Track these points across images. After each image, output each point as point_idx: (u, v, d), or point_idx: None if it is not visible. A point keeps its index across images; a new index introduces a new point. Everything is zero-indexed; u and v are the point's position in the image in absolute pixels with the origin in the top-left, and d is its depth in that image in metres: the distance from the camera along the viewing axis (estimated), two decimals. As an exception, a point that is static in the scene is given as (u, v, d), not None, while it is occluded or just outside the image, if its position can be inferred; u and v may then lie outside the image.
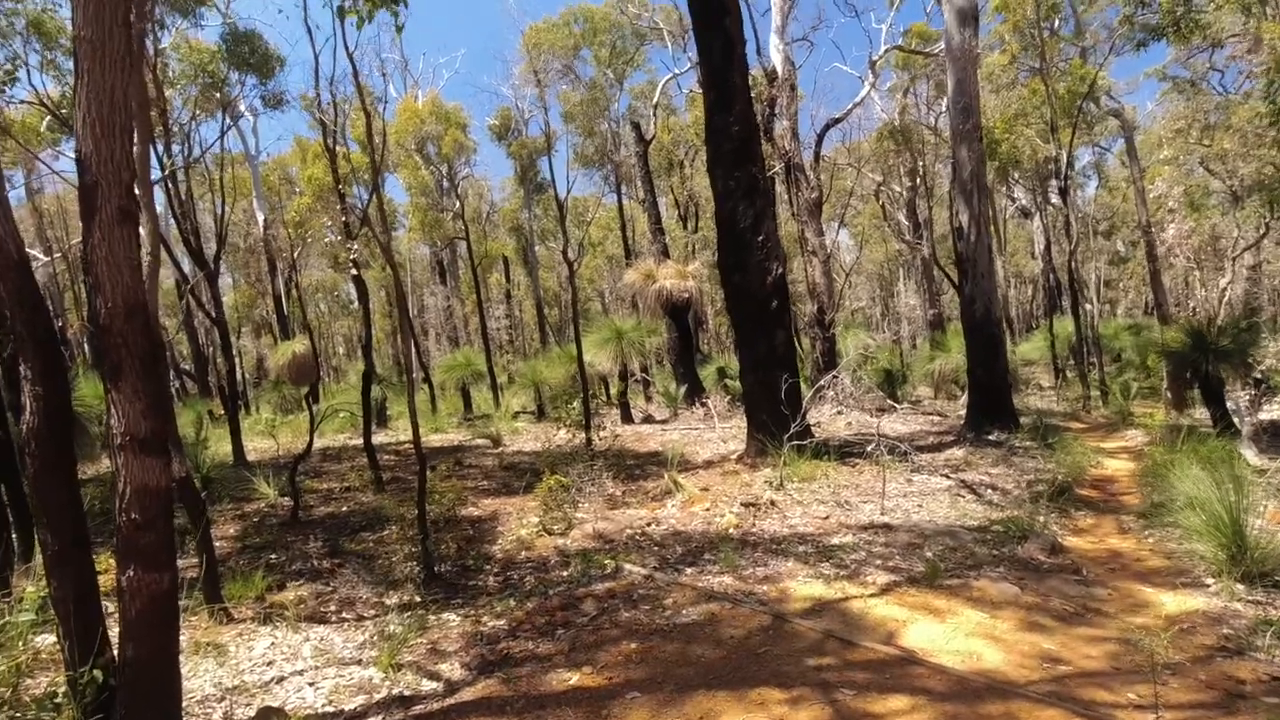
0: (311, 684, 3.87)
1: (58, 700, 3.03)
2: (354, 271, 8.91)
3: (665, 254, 17.78)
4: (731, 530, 6.14)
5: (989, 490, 7.17)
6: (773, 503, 6.84)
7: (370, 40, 19.87)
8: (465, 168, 25.80)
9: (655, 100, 21.62)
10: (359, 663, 4.09)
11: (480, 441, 12.16)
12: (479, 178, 30.14)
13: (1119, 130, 23.71)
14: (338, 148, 8.95)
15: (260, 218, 21.62)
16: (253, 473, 8.77)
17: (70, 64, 8.60)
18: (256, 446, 12.35)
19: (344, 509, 7.75)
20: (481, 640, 4.29)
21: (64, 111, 8.83)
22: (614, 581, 5.09)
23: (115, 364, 2.70)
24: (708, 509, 6.87)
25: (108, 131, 2.59)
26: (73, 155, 2.78)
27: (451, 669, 3.96)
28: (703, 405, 14.03)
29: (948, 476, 7.70)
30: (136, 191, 2.85)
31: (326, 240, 24.46)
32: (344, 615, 4.90)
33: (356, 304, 30.04)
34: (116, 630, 2.90)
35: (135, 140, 3.10)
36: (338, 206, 9.41)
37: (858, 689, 3.29)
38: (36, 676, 3.59)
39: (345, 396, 16.67)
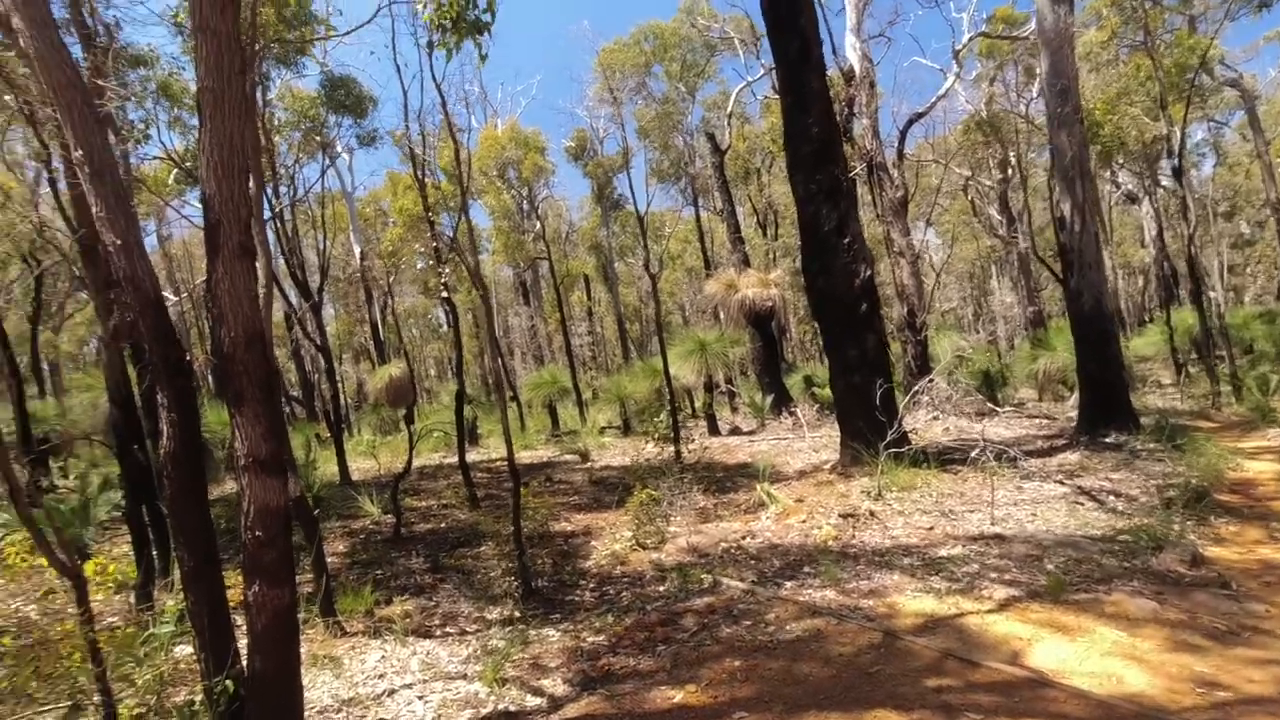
0: (420, 698, 3.97)
1: (195, 708, 3.23)
2: (445, 294, 9.26)
3: (746, 263, 17.56)
4: (830, 542, 5.92)
5: (1111, 497, 6.63)
6: (871, 513, 6.56)
7: (454, 73, 20.77)
8: (544, 189, 26.42)
9: (729, 109, 21.50)
10: (464, 677, 4.17)
11: (569, 457, 12.33)
12: (558, 198, 30.80)
13: (1238, 102, 21.80)
14: (425, 178, 9.38)
15: (357, 250, 22.90)
16: (357, 491, 9.20)
17: (194, 120, 9.42)
18: (359, 466, 12.98)
19: (442, 525, 8.00)
20: (582, 656, 4.29)
21: (188, 164, 9.67)
22: (712, 596, 4.99)
23: (238, 390, 2.88)
24: (803, 521, 6.67)
25: (228, 173, 2.79)
26: (196, 203, 3.00)
27: (554, 685, 3.97)
28: (790, 415, 13.71)
29: (1062, 483, 7.18)
30: (253, 230, 3.04)
31: (418, 267, 25.63)
32: (447, 630, 5.03)
33: (445, 328, 31.29)
34: (243, 643, 3.07)
35: (251, 182, 3.32)
36: (428, 234, 9.83)
37: (985, 713, 3.06)
38: (176, 686, 3.84)
39: (438, 416, 17.33)
